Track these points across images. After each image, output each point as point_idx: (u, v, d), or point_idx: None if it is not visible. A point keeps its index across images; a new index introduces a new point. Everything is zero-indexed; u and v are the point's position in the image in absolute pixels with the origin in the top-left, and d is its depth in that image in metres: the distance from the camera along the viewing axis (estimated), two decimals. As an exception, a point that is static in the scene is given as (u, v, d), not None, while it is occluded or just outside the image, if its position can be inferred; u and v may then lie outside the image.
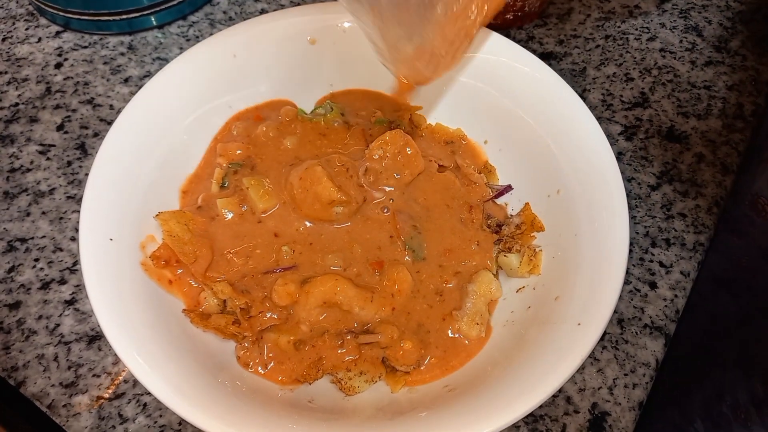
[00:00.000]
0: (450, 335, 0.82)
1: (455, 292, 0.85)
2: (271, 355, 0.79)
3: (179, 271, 0.83)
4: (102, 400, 0.85)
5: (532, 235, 0.89)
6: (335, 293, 0.80)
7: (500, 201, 0.96)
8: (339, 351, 0.79)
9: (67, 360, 0.88)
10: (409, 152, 0.90)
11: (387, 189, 0.90)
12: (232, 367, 0.79)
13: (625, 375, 0.89)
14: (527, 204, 0.93)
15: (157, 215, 0.84)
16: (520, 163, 0.95)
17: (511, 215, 0.94)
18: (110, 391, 0.86)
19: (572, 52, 1.24)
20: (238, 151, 0.92)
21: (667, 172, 1.08)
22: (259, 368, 0.79)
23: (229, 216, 0.87)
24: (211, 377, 0.74)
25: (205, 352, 0.78)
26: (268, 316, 0.81)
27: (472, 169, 0.95)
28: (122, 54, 1.20)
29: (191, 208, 0.88)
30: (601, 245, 0.78)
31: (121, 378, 0.87)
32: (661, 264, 0.99)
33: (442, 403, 0.73)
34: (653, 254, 1.00)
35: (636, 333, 0.93)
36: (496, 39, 0.95)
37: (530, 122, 0.93)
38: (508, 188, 0.95)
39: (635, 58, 1.24)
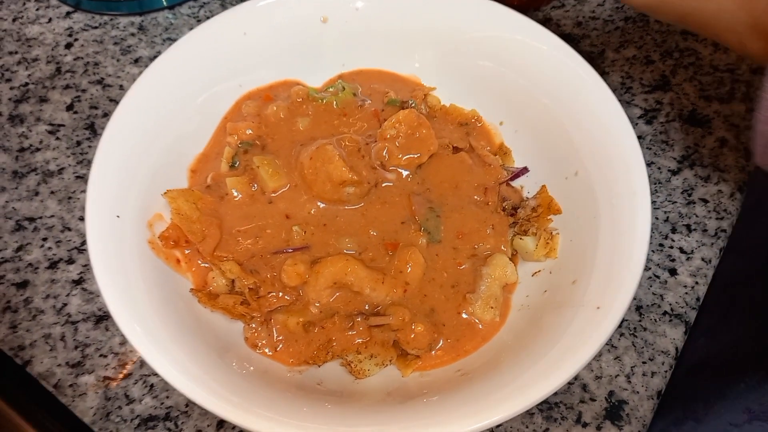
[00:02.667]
0: (464, 317, 0.80)
1: (469, 275, 0.82)
2: (279, 337, 0.78)
3: (187, 251, 0.81)
4: (108, 381, 0.84)
5: (548, 218, 0.87)
6: (346, 273, 0.78)
7: (516, 183, 0.94)
8: (349, 333, 0.77)
9: (74, 340, 0.87)
10: (423, 132, 0.87)
11: (400, 170, 0.88)
12: (240, 348, 0.78)
13: (644, 363, 0.86)
14: (544, 186, 0.90)
15: (165, 193, 0.82)
16: (536, 144, 0.92)
17: (527, 198, 0.91)
18: (117, 371, 0.85)
19: (590, 34, 1.21)
20: (249, 131, 0.90)
21: (689, 157, 1.05)
22: (267, 350, 0.77)
23: (239, 195, 0.85)
24: (218, 358, 0.73)
25: (213, 332, 0.77)
26: (278, 296, 0.79)
27: (487, 150, 0.93)
28: (132, 35, 1.19)
29: (200, 187, 0.86)
30: (621, 228, 0.76)
31: (128, 358, 0.86)
32: (681, 250, 0.96)
33: (453, 387, 0.71)
34: (673, 240, 0.97)
35: (655, 320, 0.90)
36: (512, 16, 0.93)
37: (547, 102, 0.90)
38: (524, 170, 0.93)
39: (656, 40, 1.20)
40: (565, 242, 0.83)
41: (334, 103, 0.93)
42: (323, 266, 0.78)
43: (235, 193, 0.85)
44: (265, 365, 0.76)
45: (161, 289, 0.75)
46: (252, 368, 0.75)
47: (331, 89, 0.96)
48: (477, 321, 0.80)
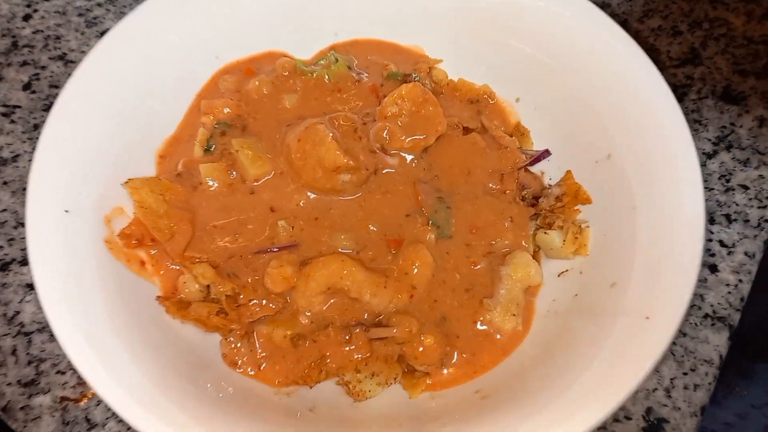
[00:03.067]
0: (480, 328, 0.68)
1: (486, 276, 0.71)
2: (263, 352, 0.66)
3: (153, 251, 0.70)
4: (67, 402, 0.72)
5: (575, 208, 0.75)
6: (341, 277, 0.66)
7: (536, 169, 0.82)
8: (346, 348, 0.66)
9: (28, 354, 0.75)
10: (429, 110, 0.75)
11: (403, 154, 0.76)
12: (217, 366, 0.66)
13: (684, 374, 0.75)
14: (569, 172, 0.78)
15: (126, 182, 0.70)
16: (559, 123, 0.81)
17: (550, 185, 0.80)
18: (77, 391, 0.73)
19: (611, 2, 1.09)
20: (227, 110, 0.78)
21: (725, 138, 0.94)
22: (249, 368, 0.66)
23: (215, 185, 0.73)
24: (189, 380, 0.61)
25: (184, 348, 0.65)
26: (261, 304, 0.67)
27: (501, 131, 0.81)
28: (99, 5, 1.06)
29: (169, 175, 0.74)
30: (667, 219, 0.65)
31: (88, 376, 0.74)
32: (721, 243, 0.85)
33: (472, 412, 0.60)
34: (712, 232, 0.86)
35: (695, 324, 0.79)
36: None
37: (571, 74, 0.79)
38: (546, 153, 0.81)
39: (683, 9, 1.08)
40: (598, 237, 0.72)
41: (326, 77, 0.81)
42: (315, 268, 0.67)
43: (211, 182, 0.73)
44: (247, 387, 0.65)
45: (120, 297, 0.64)
46: (231, 390, 0.64)
47: (322, 61, 0.84)
48: (495, 331, 0.69)
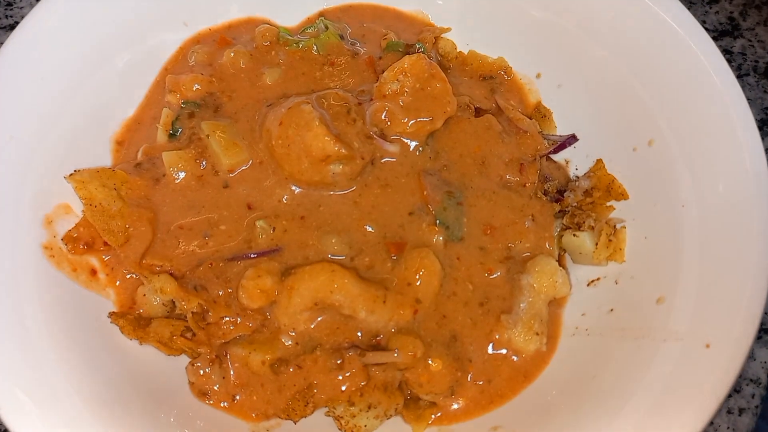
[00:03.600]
0: (496, 351, 0.58)
1: (503, 287, 0.61)
2: (238, 381, 0.56)
3: (107, 257, 0.59)
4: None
5: (608, 205, 0.65)
6: (331, 291, 0.56)
7: (560, 157, 0.71)
8: (337, 376, 0.56)
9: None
10: (436, 87, 0.64)
11: (405, 140, 0.65)
12: (184, 396, 0.56)
13: (728, 396, 0.66)
14: (599, 161, 0.68)
15: (70, 175, 0.59)
16: (588, 103, 0.70)
17: (577, 177, 0.69)
18: None
19: (638, -35, 0.97)
20: (196, 86, 0.67)
21: (770, 120, 0.84)
22: (222, 400, 0.55)
23: (181, 177, 0.62)
24: (147, 413, 0.51)
25: (143, 375, 0.55)
26: (235, 323, 0.57)
27: (519, 112, 0.70)
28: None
29: (127, 165, 0.63)
30: (726, 219, 0.55)
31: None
32: (769, 243, 0.75)
33: None
34: (757, 230, 0.76)
35: (740, 338, 0.69)
36: None
37: (601, 45, 0.68)
38: (572, 139, 0.70)
39: (719, -26, 0.97)
40: (638, 240, 0.62)
41: (314, 47, 0.70)
42: (299, 280, 0.56)
43: (176, 174, 0.62)
44: (219, 421, 0.55)
45: (64, 314, 0.53)
46: (201, 424, 0.53)
47: (309, 30, 0.73)
48: (516, 353, 0.59)
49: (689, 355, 0.50)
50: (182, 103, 0.66)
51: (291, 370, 0.56)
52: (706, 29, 0.90)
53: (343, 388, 0.56)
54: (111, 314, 0.57)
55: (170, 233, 0.60)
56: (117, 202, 0.59)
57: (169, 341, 0.56)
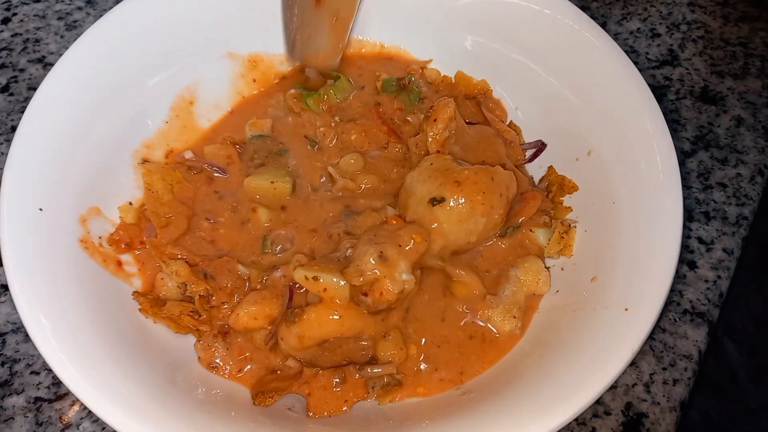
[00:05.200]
0: (478, 323, 0.68)
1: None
2: (240, 353, 0.65)
3: (139, 251, 0.70)
4: (41, 402, 0.71)
5: (567, 206, 0.76)
6: (340, 333, 0.65)
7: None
8: (336, 389, 0.65)
9: (1, 355, 0.74)
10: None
11: None
12: (192, 368, 0.65)
13: (664, 369, 0.75)
14: (551, 167, 0.79)
15: (142, 163, 0.74)
16: (540, 121, 0.81)
17: (536, 182, 0.80)
18: (51, 391, 0.72)
19: (590, 5, 1.10)
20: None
21: (703, 137, 0.95)
22: (228, 369, 0.65)
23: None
24: (166, 379, 0.60)
25: (159, 348, 0.64)
26: (234, 308, 0.67)
27: (504, 123, 0.82)
28: (79, 8, 1.06)
29: (184, 168, 0.77)
30: (647, 214, 0.65)
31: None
32: (700, 240, 0.85)
33: (452, 409, 0.59)
34: (691, 229, 0.86)
35: (674, 320, 0.79)
36: None
37: (548, 73, 0.79)
38: (542, 146, 0.81)
39: (661, 12, 1.10)
40: (580, 233, 0.72)
41: (333, 94, 0.83)
42: (308, 327, 0.64)
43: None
44: (227, 388, 0.64)
45: (95, 296, 0.63)
46: (211, 391, 0.62)
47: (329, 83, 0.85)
48: (494, 329, 0.69)
49: (613, 318, 0.60)
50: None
51: (291, 371, 0.65)
52: (650, 59, 1.04)
53: (338, 398, 0.64)
54: (134, 293, 0.67)
55: (198, 229, 0.72)
56: (168, 194, 0.73)
57: (177, 319, 0.65)
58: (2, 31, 1.03)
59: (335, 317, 0.64)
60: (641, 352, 0.76)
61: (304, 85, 0.85)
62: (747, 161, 0.92)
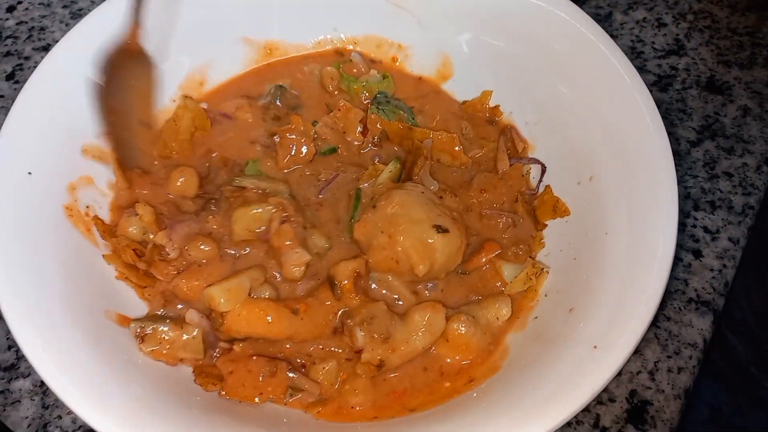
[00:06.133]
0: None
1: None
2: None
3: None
4: (47, 386, 0.71)
5: (542, 241, 0.76)
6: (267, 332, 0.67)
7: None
8: (259, 378, 0.66)
9: (8, 339, 0.74)
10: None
11: None
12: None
13: (668, 357, 0.75)
14: (548, 187, 0.78)
15: (184, 96, 0.77)
16: (547, 139, 0.81)
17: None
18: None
19: (596, -5, 1.10)
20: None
21: (709, 127, 0.94)
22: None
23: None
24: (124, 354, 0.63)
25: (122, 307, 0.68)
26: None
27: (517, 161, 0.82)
28: (85, -4, 1.06)
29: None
30: (636, 251, 0.64)
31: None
32: (705, 230, 0.85)
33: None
34: (696, 218, 0.86)
35: (679, 309, 0.79)
36: None
37: (557, 84, 0.79)
38: (543, 168, 0.80)
39: (667, 2, 1.09)
40: (568, 261, 0.71)
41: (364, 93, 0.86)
42: (234, 320, 0.66)
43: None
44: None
45: (72, 264, 0.65)
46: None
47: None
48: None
49: (579, 355, 0.59)
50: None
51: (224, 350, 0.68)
52: (656, 49, 1.03)
53: (259, 395, 0.65)
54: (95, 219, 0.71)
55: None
56: (187, 134, 0.77)
57: (122, 251, 0.68)
58: (7, 19, 1.03)
59: (268, 319, 0.66)
60: (645, 340, 0.76)
61: (344, 68, 0.86)
62: (753, 151, 0.92)
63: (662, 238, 0.63)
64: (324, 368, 0.67)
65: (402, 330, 0.67)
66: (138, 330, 0.65)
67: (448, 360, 0.68)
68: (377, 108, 0.81)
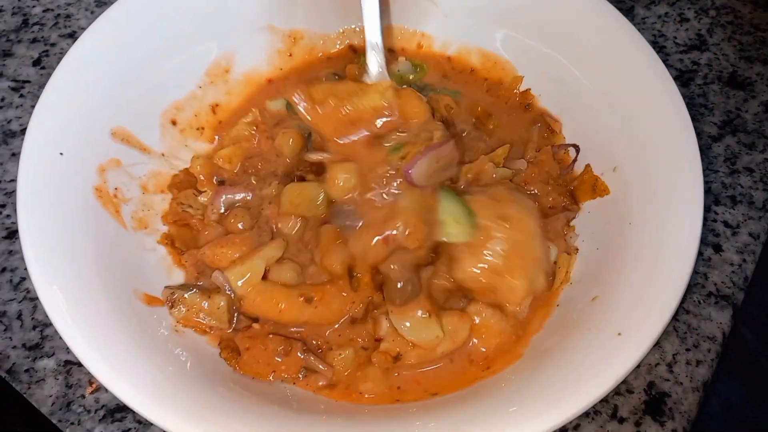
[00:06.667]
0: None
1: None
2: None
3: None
4: (71, 366, 0.73)
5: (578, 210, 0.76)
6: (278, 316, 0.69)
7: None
8: (275, 357, 0.67)
9: (33, 318, 0.76)
10: None
11: None
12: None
13: (687, 350, 0.75)
14: (587, 166, 0.78)
15: (312, 85, 0.72)
16: (572, 130, 0.82)
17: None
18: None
19: (618, -11, 1.09)
20: None
21: (730, 122, 0.94)
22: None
23: None
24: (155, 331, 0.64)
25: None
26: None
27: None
28: (110, -16, 1.07)
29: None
30: (661, 242, 0.64)
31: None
32: (726, 224, 0.85)
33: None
34: (717, 213, 0.86)
35: (699, 302, 0.79)
36: None
37: (582, 75, 0.79)
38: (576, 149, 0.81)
39: (690, -3, 1.09)
40: (591, 251, 0.72)
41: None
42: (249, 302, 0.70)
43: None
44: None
45: (101, 245, 0.66)
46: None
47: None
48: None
49: (603, 341, 0.59)
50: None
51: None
52: (678, 44, 1.03)
53: (272, 373, 0.67)
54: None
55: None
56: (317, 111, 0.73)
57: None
58: (34, 7, 1.04)
59: (280, 306, 0.68)
60: (664, 332, 0.75)
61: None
62: (775, 146, 0.91)
63: (687, 228, 0.63)
64: (340, 355, 0.68)
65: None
66: (169, 295, 0.67)
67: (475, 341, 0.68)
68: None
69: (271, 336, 0.68)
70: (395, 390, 0.66)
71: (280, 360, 0.67)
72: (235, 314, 0.69)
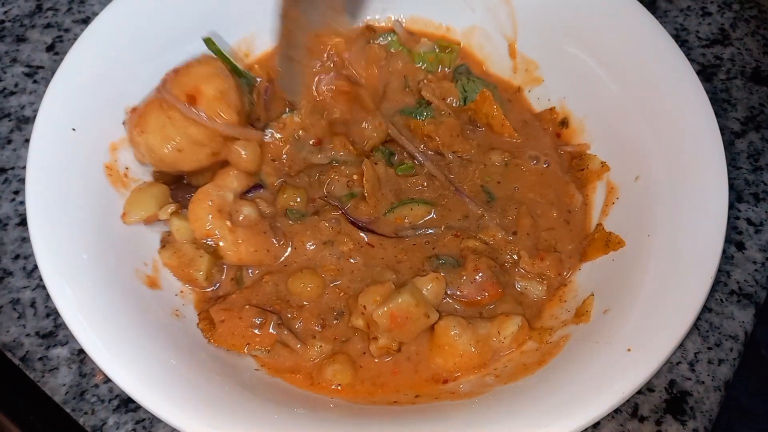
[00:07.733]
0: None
1: None
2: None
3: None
4: (84, 354, 0.72)
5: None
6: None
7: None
8: (250, 328, 0.68)
9: (46, 307, 0.75)
10: None
11: None
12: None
13: (709, 349, 0.74)
14: (600, 225, 0.75)
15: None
16: (599, 133, 0.80)
17: None
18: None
19: (640, -18, 1.07)
20: None
21: (754, 118, 0.92)
22: None
23: None
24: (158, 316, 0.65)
25: (167, 284, 0.70)
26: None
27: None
28: (124, -30, 1.06)
29: None
30: (679, 257, 0.62)
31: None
32: (749, 222, 0.83)
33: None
34: (739, 210, 0.84)
35: (721, 300, 0.77)
36: None
37: (619, 90, 0.77)
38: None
39: (713, -10, 1.07)
40: (606, 261, 0.70)
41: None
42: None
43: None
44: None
45: (105, 222, 0.66)
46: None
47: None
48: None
49: (612, 355, 0.58)
50: None
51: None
52: (700, 38, 1.01)
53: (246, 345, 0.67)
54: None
55: None
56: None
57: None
58: (48, -9, 1.03)
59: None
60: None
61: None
62: (799, 144, 0.90)
63: (708, 246, 0.62)
64: (320, 346, 0.69)
65: None
66: (163, 236, 0.71)
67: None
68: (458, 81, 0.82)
69: (247, 307, 0.68)
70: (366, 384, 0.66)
71: (256, 332, 0.67)
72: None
